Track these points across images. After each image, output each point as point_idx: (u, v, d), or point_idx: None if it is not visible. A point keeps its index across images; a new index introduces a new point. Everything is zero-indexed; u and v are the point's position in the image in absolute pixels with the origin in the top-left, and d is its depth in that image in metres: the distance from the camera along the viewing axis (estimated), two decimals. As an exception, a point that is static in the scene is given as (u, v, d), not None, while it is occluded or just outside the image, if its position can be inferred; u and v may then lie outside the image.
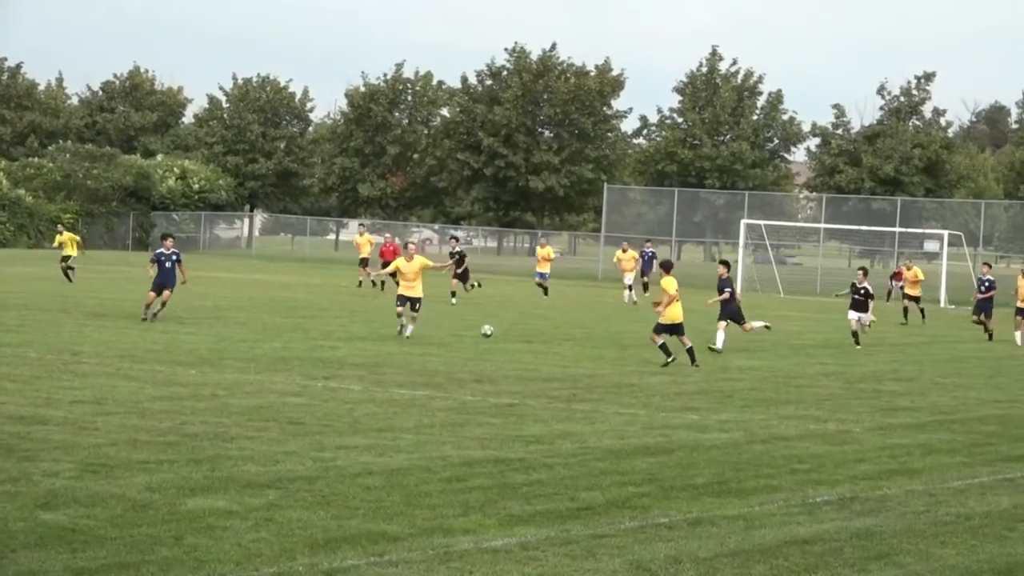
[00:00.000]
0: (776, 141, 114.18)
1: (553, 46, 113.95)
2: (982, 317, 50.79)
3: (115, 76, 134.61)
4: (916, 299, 56.44)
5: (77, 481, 17.62)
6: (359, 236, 74.44)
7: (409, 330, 40.37)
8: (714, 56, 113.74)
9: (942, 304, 74.65)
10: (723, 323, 43.11)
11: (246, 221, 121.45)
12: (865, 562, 15.20)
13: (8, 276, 64.21)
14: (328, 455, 20.29)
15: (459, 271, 58.14)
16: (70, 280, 62.02)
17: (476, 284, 61.22)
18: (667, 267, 38.60)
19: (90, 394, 25.79)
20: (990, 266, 56.31)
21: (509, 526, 16.12)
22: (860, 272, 48.48)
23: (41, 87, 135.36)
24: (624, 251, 68.25)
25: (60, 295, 51.65)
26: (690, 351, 35.19)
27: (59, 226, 76.31)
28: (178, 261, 43.50)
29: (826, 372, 35.78)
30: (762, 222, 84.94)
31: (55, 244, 70.43)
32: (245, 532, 15.25)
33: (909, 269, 58.87)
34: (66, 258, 64.55)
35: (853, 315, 45.80)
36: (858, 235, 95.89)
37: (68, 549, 14.26)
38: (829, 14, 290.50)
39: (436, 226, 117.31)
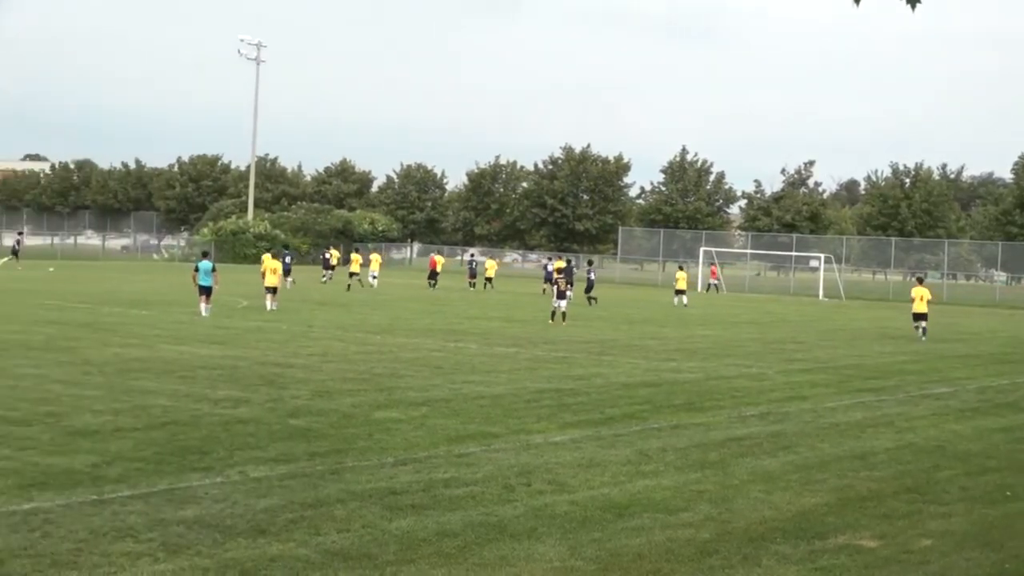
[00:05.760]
0: (721, 201, 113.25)
1: (588, 145, 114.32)
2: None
3: (332, 163, 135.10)
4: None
5: (311, 401, 17.75)
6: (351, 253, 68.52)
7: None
8: (683, 151, 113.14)
9: (820, 297, 74.03)
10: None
11: (408, 248, 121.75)
12: (775, 450, 15.13)
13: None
14: (457, 386, 20.34)
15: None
16: (348, 288, 56.31)
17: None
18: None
19: (318, 350, 25.94)
20: None
21: (564, 428, 16.13)
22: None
23: (289, 170, 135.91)
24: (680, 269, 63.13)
25: (297, 293, 51.72)
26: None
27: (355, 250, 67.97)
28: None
29: (751, 338, 35.53)
30: (713, 249, 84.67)
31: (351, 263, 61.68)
32: (409, 431, 15.33)
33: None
34: (353, 273, 59.27)
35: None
36: (770, 257, 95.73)
37: (305, 441, 14.36)
38: (748, 124, 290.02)
39: (520, 252, 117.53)
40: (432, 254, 74.00)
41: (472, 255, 73.61)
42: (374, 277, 63.61)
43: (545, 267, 65.53)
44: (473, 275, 67.22)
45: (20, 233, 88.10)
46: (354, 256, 62.62)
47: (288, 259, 56.88)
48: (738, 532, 10.74)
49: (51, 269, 70.21)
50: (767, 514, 11.50)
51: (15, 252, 76.08)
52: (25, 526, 9.92)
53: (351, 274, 59.73)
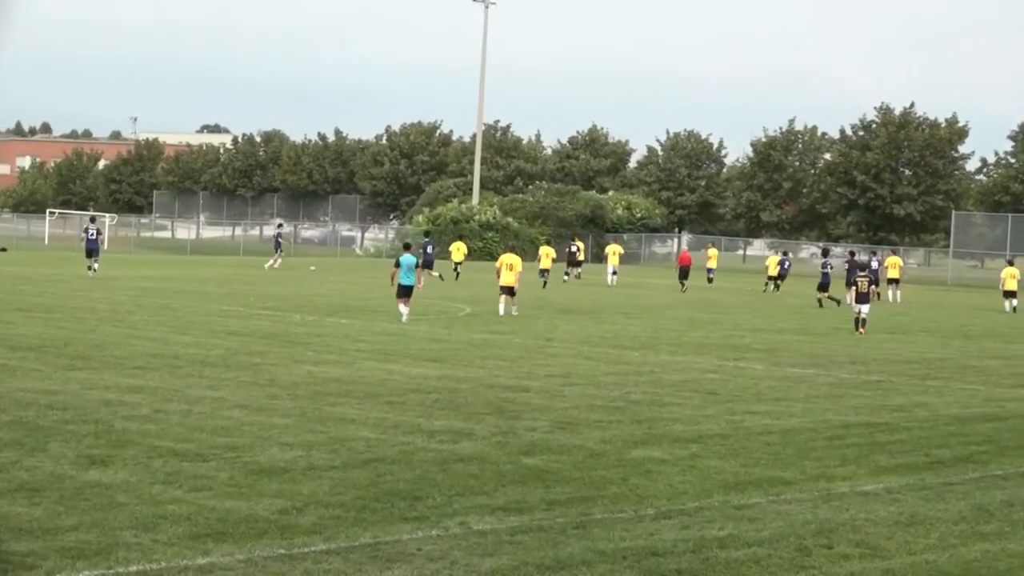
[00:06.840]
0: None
1: (912, 104, 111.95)
2: None
3: (578, 132, 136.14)
4: None
5: (549, 434, 17.92)
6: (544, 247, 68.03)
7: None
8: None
9: None
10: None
11: (675, 240, 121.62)
12: None
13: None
14: (737, 418, 20.26)
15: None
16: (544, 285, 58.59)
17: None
18: None
19: (559, 370, 26.18)
20: None
21: (877, 475, 15.90)
22: None
23: (525, 141, 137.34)
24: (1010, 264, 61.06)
25: (534, 296, 52.11)
26: None
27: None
28: None
29: None
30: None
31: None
32: (674, 475, 15.34)
33: None
34: (543, 270, 61.14)
35: None
36: None
37: (543, 485, 14.50)
38: None
39: (820, 244, 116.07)
40: (684, 248, 73.86)
41: (785, 254, 72.93)
42: (614, 273, 64.46)
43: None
44: (782, 276, 66.13)
45: (280, 225, 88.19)
46: (543, 249, 63.13)
47: (430, 249, 61.19)
48: (1112, 616, 10.39)
49: (312, 268, 72.48)
50: None
51: (278, 246, 75.47)
52: (199, 585, 10.28)
53: (542, 271, 60.58)
